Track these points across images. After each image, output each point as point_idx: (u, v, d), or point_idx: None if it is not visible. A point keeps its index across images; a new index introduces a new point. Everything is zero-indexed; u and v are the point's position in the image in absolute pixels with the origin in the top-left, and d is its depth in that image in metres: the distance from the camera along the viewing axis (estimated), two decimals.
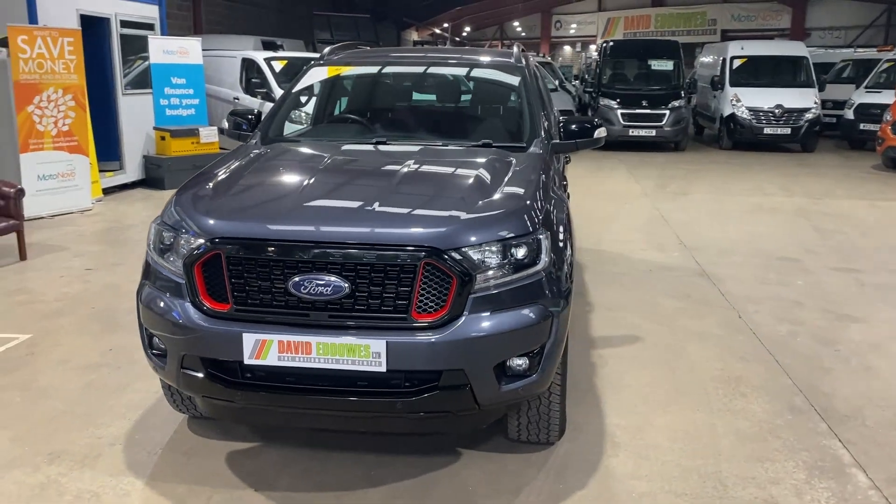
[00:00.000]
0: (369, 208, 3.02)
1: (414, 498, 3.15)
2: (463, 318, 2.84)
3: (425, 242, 2.82)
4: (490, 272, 2.90)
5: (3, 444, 3.52)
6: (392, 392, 2.86)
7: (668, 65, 16.87)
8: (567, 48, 50.29)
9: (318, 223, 2.93)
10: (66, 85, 8.72)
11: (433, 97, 4.90)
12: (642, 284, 6.26)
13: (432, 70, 4.92)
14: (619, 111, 15.79)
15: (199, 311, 2.93)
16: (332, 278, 2.81)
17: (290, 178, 3.43)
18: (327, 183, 3.36)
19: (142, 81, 10.67)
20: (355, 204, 3.09)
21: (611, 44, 18.05)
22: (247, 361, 2.86)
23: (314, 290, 2.82)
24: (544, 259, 3.04)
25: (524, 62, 4.57)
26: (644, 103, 15.76)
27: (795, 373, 4.46)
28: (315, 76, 4.65)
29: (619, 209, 9.63)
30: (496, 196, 3.18)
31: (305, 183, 3.30)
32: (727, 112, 15.85)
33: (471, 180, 3.34)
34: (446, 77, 4.92)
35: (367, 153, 3.97)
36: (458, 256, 2.83)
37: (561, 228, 3.30)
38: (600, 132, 4.23)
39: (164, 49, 10.76)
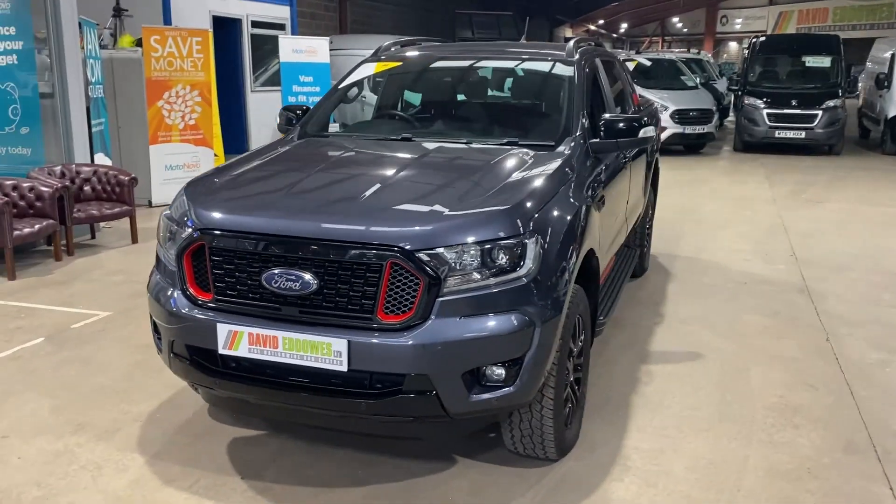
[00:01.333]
0: (345, 205, 2.98)
1: (391, 502, 3.08)
2: (430, 322, 2.74)
3: (392, 242, 2.74)
4: (463, 275, 2.78)
5: (43, 412, 3.80)
6: (356, 392, 2.81)
7: (825, 61, 15.53)
8: (733, 44, 47.80)
9: (292, 218, 2.92)
10: (193, 82, 9.32)
11: (474, 93, 4.77)
12: (731, 298, 5.80)
13: (477, 65, 4.79)
14: (765, 111, 14.71)
15: (187, 300, 3.02)
16: (302, 274, 2.80)
17: (292, 173, 3.46)
18: (323, 178, 3.36)
19: (270, 79, 11.22)
20: (336, 200, 3.07)
21: (762, 39, 16.89)
22: (220, 351, 2.91)
23: (284, 284, 2.82)
24: (528, 265, 2.87)
25: (578, 57, 4.34)
26: (794, 103, 14.58)
27: (868, 407, 3.96)
28: (363, 72, 4.67)
29: (738, 215, 8.99)
30: (484, 197, 3.03)
31: (302, 178, 3.32)
32: (892, 113, 14.37)
33: (467, 180, 3.22)
34: (489, 73, 4.78)
35: (383, 150, 3.94)
36: (425, 258, 2.73)
37: (566, 234, 3.09)
38: (646, 131, 3.96)
39: (294, 48, 11.25)
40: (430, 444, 3.48)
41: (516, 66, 4.77)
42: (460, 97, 4.79)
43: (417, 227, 2.79)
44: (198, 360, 3.01)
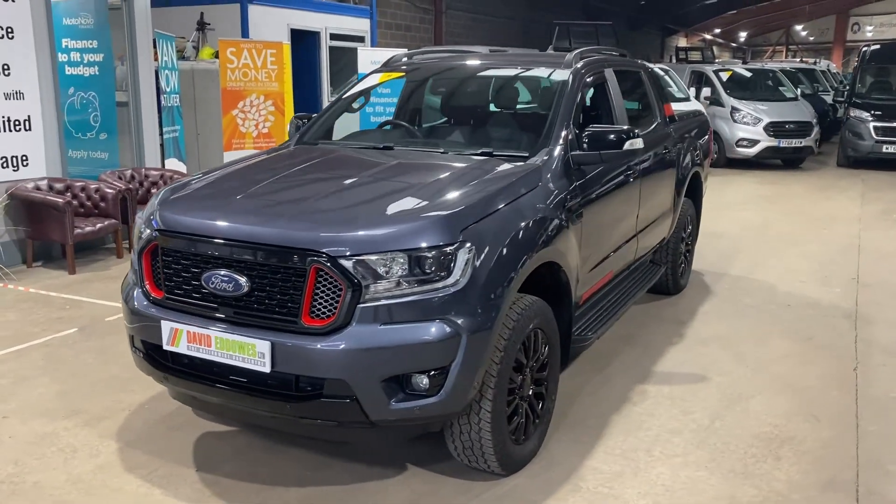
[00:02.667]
0: (281, 210, 3.07)
1: None
2: (350, 328, 2.78)
3: (316, 247, 2.81)
4: (387, 283, 2.80)
5: (48, 397, 4.10)
6: (281, 394, 2.88)
7: None
8: None
9: (229, 221, 3.02)
10: (267, 92, 9.74)
11: (465, 103, 4.76)
12: (766, 320, 5.49)
13: (474, 76, 4.78)
14: (872, 124, 13.77)
15: (144, 297, 3.20)
16: (236, 276, 2.91)
17: (255, 179, 3.56)
18: (278, 185, 3.45)
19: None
20: (276, 205, 3.16)
21: (873, 48, 15.82)
22: (165, 347, 3.06)
23: (220, 285, 2.94)
24: (456, 275, 2.86)
25: (576, 68, 4.26)
26: None
27: (870, 444, 3.67)
28: (369, 82, 4.77)
29: (812, 233, 8.48)
30: (421, 206, 3.04)
31: (259, 184, 3.43)
32: None
33: (415, 189, 3.24)
34: (485, 84, 4.75)
35: (355, 158, 4.01)
36: (347, 264, 2.78)
37: (509, 246, 3.05)
38: (632, 143, 3.84)
39: (372, 60, 11.52)
40: (385, 450, 3.51)
41: (511, 76, 4.74)
42: (452, 107, 4.80)
43: (342, 234, 2.84)
44: (151, 354, 3.18)
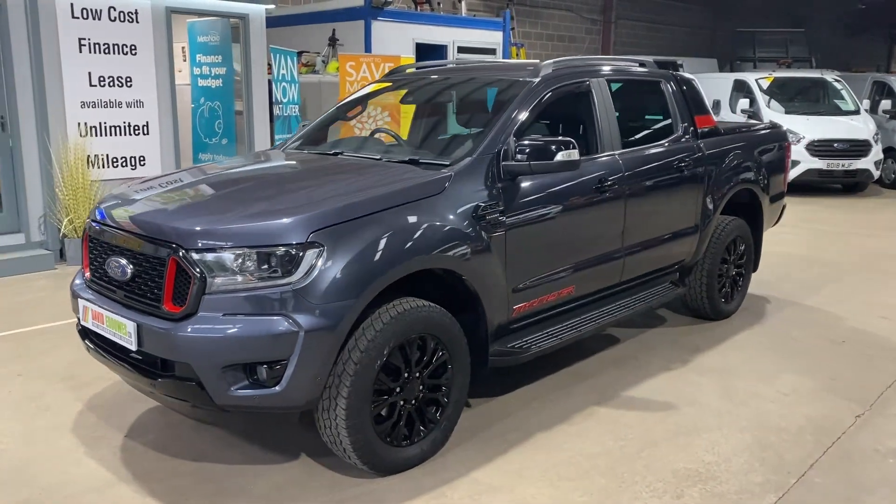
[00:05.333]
0: (169, 206, 3.38)
1: (197, 482, 3.38)
2: (196, 316, 3.03)
3: (172, 240, 3.09)
4: (232, 276, 3.01)
5: (65, 364, 4.73)
6: (149, 371, 3.19)
7: None
8: None
9: (126, 213, 3.39)
10: (384, 104, 10.23)
11: (426, 114, 4.78)
12: (798, 356, 4.98)
13: (443, 87, 4.80)
14: None
15: (81, 280, 3.67)
16: (123, 262, 3.27)
17: (182, 178, 3.91)
18: (197, 184, 3.77)
19: None
20: (167, 202, 3.48)
21: None
22: (81, 322, 3.50)
23: (114, 270, 3.32)
24: (300, 274, 3.01)
25: (539, 78, 4.18)
26: None
27: (797, 497, 3.28)
28: (362, 92, 4.99)
29: None
30: (282, 207, 3.22)
31: (185, 183, 3.77)
32: None
33: (298, 191, 3.44)
34: (448, 94, 4.75)
35: (293, 162, 4.23)
36: (196, 256, 3.02)
37: (368, 249, 3.13)
38: (566, 155, 3.72)
39: None
40: (292, 438, 3.71)
41: (475, 87, 4.72)
42: (416, 117, 4.87)
43: (195, 228, 3.10)
44: (82, 328, 3.63)
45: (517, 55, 15.58)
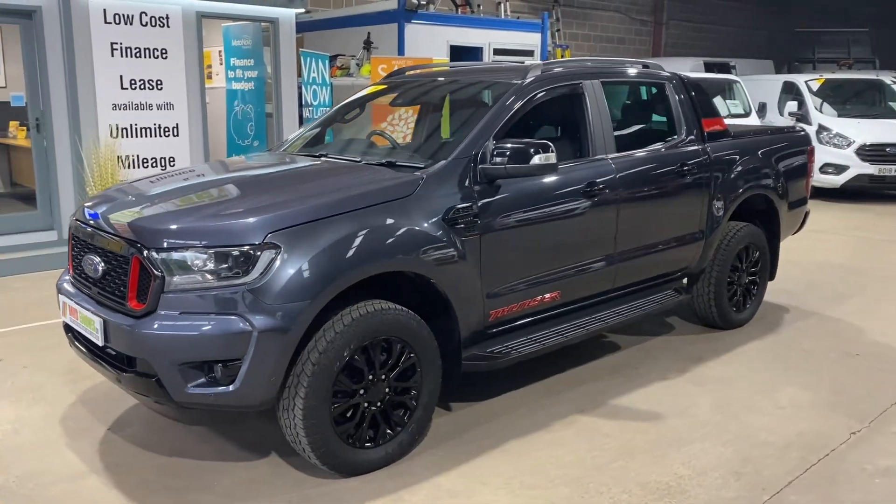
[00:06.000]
0: (136, 207, 3.46)
1: (167, 474, 3.43)
2: (155, 314, 3.09)
3: (135, 240, 3.17)
4: (189, 275, 3.07)
5: (71, 358, 4.89)
6: (116, 366, 3.27)
7: None
8: None
9: (100, 213, 3.48)
10: (415, 107, 10.28)
11: (415, 115, 4.74)
12: (803, 368, 4.79)
13: (436, 90, 4.77)
14: None
15: (66, 275, 3.79)
16: (95, 259, 3.37)
17: (169, 178, 3.99)
18: (177, 185, 3.84)
19: None
20: (137, 203, 3.56)
21: None
22: (61, 317, 3.61)
23: (88, 267, 3.42)
24: (255, 275, 3.04)
25: (525, 81, 4.13)
26: None
27: None
28: (361, 94, 5.01)
29: None
30: (244, 208, 3.26)
31: (164, 182, 3.86)
32: None
33: (265, 193, 3.47)
34: (439, 97, 4.71)
35: (276, 164, 4.28)
36: (156, 256, 3.09)
37: (326, 252, 3.14)
38: (543, 158, 3.67)
39: None
40: (268, 436, 3.75)
41: (467, 90, 4.68)
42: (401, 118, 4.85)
43: (156, 227, 3.17)
44: (65, 323, 3.75)
45: (561, 56, 15.44)
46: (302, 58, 9.11)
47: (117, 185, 4.08)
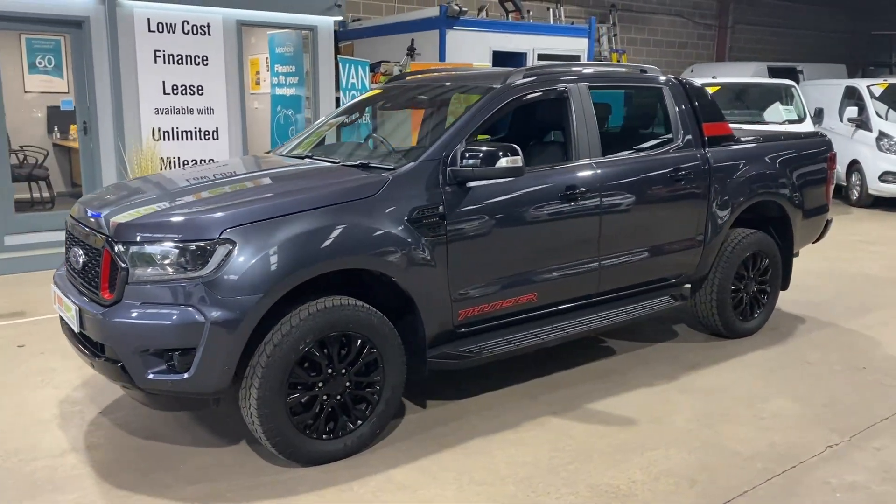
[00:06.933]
0: (118, 203, 3.67)
1: (139, 457, 3.64)
2: (120, 303, 3.29)
3: (106, 232, 3.39)
4: (149, 268, 3.26)
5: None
6: (92, 352, 3.49)
7: None
8: None
9: (88, 208, 3.72)
10: (452, 111, 10.38)
11: (397, 119, 4.81)
12: (803, 380, 4.67)
13: (420, 94, 4.83)
14: None
15: (62, 269, 4.06)
16: (78, 251, 3.61)
17: (157, 178, 4.21)
18: (165, 183, 4.05)
19: None
20: (119, 199, 3.77)
21: None
22: (53, 306, 3.87)
23: (73, 259, 3.66)
24: (210, 268, 3.21)
25: (503, 85, 4.19)
26: None
27: None
28: (361, 97, 5.15)
29: None
30: (205, 206, 3.44)
31: (151, 181, 4.08)
32: None
33: (228, 193, 3.67)
34: (420, 99, 4.77)
35: (260, 166, 4.45)
36: (121, 248, 3.29)
37: (281, 248, 3.28)
38: (510, 161, 3.72)
39: None
40: (242, 425, 3.91)
41: (450, 93, 4.73)
42: (386, 122, 4.94)
43: (123, 223, 3.37)
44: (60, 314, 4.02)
45: (618, 62, 15.27)
46: (340, 64, 9.34)
47: (113, 184, 4.33)
